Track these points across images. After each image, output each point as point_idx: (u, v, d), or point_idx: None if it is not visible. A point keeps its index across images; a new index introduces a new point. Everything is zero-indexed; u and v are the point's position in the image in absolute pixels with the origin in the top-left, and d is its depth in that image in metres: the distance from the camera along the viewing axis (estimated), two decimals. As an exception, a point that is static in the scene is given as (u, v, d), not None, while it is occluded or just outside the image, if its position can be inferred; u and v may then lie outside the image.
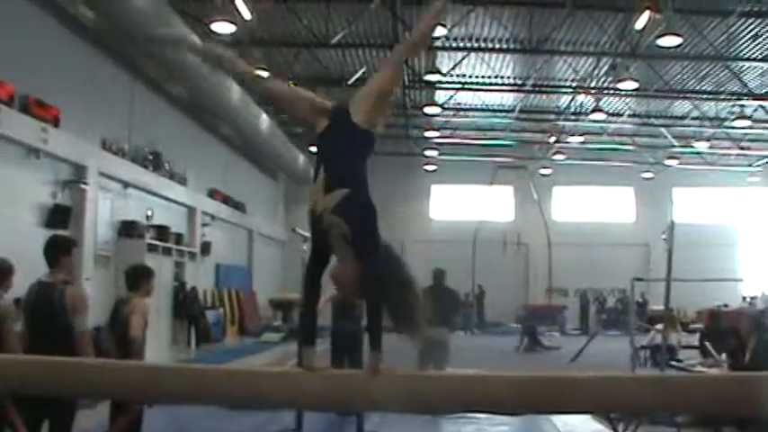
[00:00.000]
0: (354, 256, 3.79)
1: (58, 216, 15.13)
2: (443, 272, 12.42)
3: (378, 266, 3.77)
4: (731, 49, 21.33)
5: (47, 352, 4.72)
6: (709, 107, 27.86)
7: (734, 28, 20.04)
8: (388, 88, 4.21)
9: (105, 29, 16.27)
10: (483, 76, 25.34)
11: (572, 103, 27.91)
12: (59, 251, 6.18)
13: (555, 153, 33.42)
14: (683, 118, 29.09)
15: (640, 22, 18.61)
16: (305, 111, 4.21)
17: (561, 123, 30.21)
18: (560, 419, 10.26)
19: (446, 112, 28.91)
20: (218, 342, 23.72)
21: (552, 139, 31.90)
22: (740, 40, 20.91)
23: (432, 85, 25.63)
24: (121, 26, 15.42)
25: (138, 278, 7.07)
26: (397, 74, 4.32)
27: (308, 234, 9.35)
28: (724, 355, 11.60)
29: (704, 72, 23.96)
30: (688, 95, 26.16)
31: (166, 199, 21.35)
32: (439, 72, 22.97)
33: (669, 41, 18.25)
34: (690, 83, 25.08)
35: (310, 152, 30.83)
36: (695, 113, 28.18)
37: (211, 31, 17.64)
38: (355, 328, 10.57)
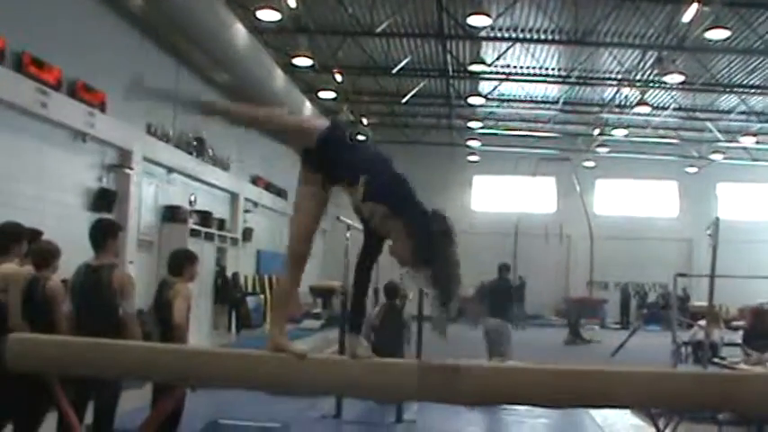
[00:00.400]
0: (405, 231, 3.83)
1: (103, 200, 15.30)
2: (507, 266, 12.90)
3: (427, 232, 3.81)
4: (781, 43, 21.06)
5: (93, 334, 4.80)
6: (757, 101, 27.50)
7: (784, 21, 19.76)
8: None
9: (152, 15, 16.39)
10: (527, 67, 25.22)
11: (617, 96, 27.70)
12: (106, 235, 6.23)
13: (598, 146, 33.21)
14: (729, 112, 28.76)
15: (688, 15, 18.43)
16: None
17: (605, 116, 29.99)
18: (600, 413, 10.22)
19: (490, 103, 28.81)
20: (259, 328, 23.85)
21: (596, 132, 31.69)
22: (791, 33, 20.60)
23: (476, 76, 25.55)
24: (168, 12, 15.53)
25: (182, 263, 7.12)
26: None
27: (350, 222, 9.39)
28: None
29: (752, 66, 23.62)
30: (735, 89, 25.82)
31: (209, 185, 21.52)
32: (483, 62, 22.91)
33: (717, 34, 18.03)
34: (737, 77, 24.76)
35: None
36: (742, 108, 27.83)
37: (257, 18, 17.72)
38: (399, 328, 10.65)
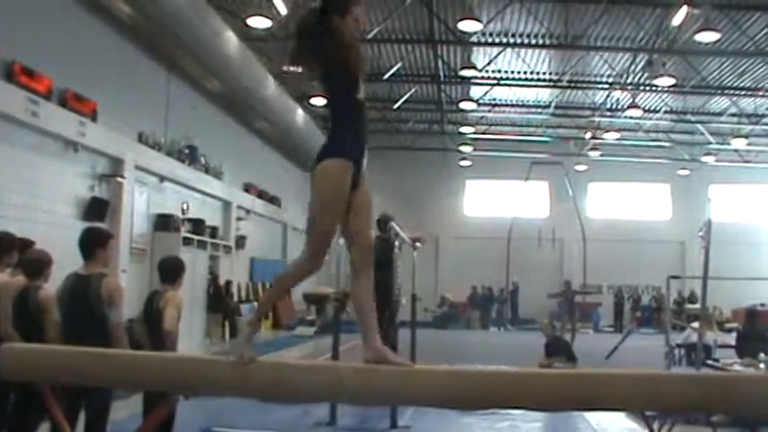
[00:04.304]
0: None
1: (96, 209, 15.27)
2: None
3: None
4: (771, 46, 21.12)
5: (81, 343, 4.78)
6: (748, 103, 27.55)
7: (774, 24, 19.80)
8: None
9: (142, 23, 16.38)
10: (518, 72, 25.27)
11: (608, 100, 27.77)
12: (95, 243, 6.18)
13: (590, 149, 33.25)
14: (720, 114, 28.82)
15: (678, 18, 18.46)
16: None
17: (597, 119, 30.03)
18: (594, 417, 10.22)
19: (481, 108, 28.85)
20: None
21: (588, 136, 31.73)
22: (780, 35, 20.64)
23: (467, 81, 25.58)
24: (159, 21, 15.50)
25: (176, 271, 7.08)
26: None
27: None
28: (762, 355, 11.50)
29: (743, 68, 23.70)
30: (726, 92, 25.90)
31: (202, 193, 21.49)
32: (474, 67, 22.90)
33: (707, 37, 18.08)
34: (728, 79, 24.84)
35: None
36: (733, 110, 27.90)
37: (248, 26, 17.72)
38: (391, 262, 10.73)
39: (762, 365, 10.68)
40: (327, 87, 4.19)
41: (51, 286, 6.53)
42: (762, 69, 23.53)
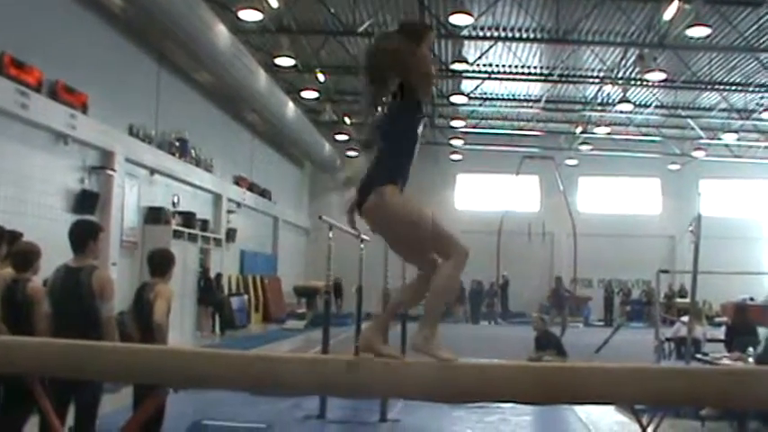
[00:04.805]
0: None
1: (86, 201, 15.24)
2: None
3: None
4: (761, 41, 21.13)
5: (71, 335, 4.76)
6: (738, 99, 27.60)
7: (764, 19, 19.79)
8: None
9: (133, 15, 16.32)
10: (509, 66, 25.23)
11: (599, 94, 27.76)
12: (87, 236, 6.14)
13: (581, 143, 33.27)
14: (710, 109, 28.88)
15: (669, 12, 18.48)
16: None
17: (588, 114, 30.06)
18: (583, 410, 10.23)
19: (472, 102, 28.83)
20: (243, 328, 23.82)
21: (578, 130, 31.75)
22: (771, 31, 20.67)
23: (458, 75, 25.54)
24: (150, 13, 15.46)
25: (167, 263, 7.04)
26: None
27: (333, 222, 9.29)
28: (750, 349, 11.53)
29: (733, 63, 23.73)
30: (716, 87, 25.91)
31: (192, 185, 21.46)
32: (465, 61, 22.89)
33: (698, 32, 18.10)
34: (718, 74, 24.84)
35: (335, 140, 30.86)
36: (723, 105, 27.95)
37: (239, 18, 17.68)
38: None
39: (750, 359, 10.71)
40: (396, 114, 4.36)
41: (40, 278, 6.50)
42: (752, 65, 23.57)
